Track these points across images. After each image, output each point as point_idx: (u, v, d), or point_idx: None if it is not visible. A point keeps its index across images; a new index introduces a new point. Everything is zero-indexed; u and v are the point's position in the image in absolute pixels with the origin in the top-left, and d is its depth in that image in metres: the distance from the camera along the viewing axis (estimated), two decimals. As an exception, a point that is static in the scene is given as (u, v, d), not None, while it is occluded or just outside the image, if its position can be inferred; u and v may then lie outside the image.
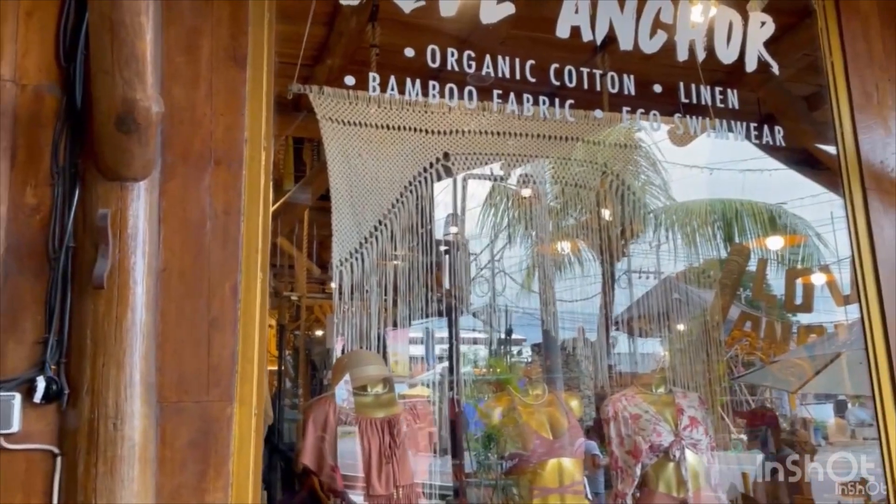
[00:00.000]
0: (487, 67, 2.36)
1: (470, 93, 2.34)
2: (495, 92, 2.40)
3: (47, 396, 1.72)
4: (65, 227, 1.82)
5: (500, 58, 2.49)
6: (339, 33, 3.33)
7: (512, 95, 2.44)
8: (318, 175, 5.32)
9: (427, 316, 2.97)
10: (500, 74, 2.39)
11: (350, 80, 2.47)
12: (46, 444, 1.73)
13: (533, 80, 2.42)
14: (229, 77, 2.06)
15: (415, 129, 2.95)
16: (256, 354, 1.96)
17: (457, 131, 3.01)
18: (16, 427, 1.69)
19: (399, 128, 2.92)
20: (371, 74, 2.31)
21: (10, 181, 1.83)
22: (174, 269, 1.92)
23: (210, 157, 2.00)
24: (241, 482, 1.86)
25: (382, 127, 2.90)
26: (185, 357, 1.88)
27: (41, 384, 1.71)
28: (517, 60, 2.45)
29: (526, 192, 4.58)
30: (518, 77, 2.40)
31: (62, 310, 1.78)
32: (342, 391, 3.09)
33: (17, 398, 1.69)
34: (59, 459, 1.73)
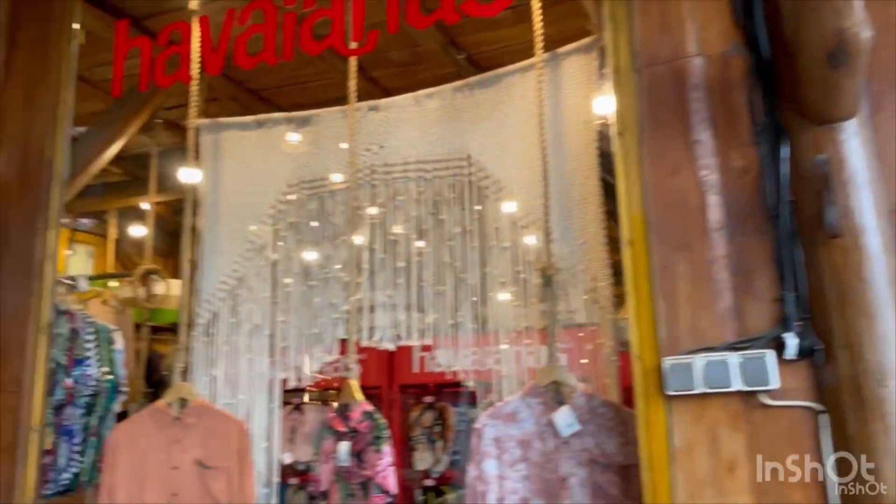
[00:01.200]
0: None
1: None
2: None
3: (799, 353, 1.69)
4: (777, 182, 1.78)
5: None
6: None
7: None
8: None
9: None
10: None
11: None
12: (804, 400, 1.70)
13: None
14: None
15: None
16: None
17: None
18: (774, 384, 1.70)
19: None
20: None
21: (715, 149, 1.89)
22: (905, 206, 1.70)
23: (920, 76, 1.72)
24: None
25: None
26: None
27: (791, 341, 1.69)
28: None
29: None
30: None
31: (794, 265, 1.74)
32: None
33: (771, 355, 1.71)
34: (819, 417, 1.68)
